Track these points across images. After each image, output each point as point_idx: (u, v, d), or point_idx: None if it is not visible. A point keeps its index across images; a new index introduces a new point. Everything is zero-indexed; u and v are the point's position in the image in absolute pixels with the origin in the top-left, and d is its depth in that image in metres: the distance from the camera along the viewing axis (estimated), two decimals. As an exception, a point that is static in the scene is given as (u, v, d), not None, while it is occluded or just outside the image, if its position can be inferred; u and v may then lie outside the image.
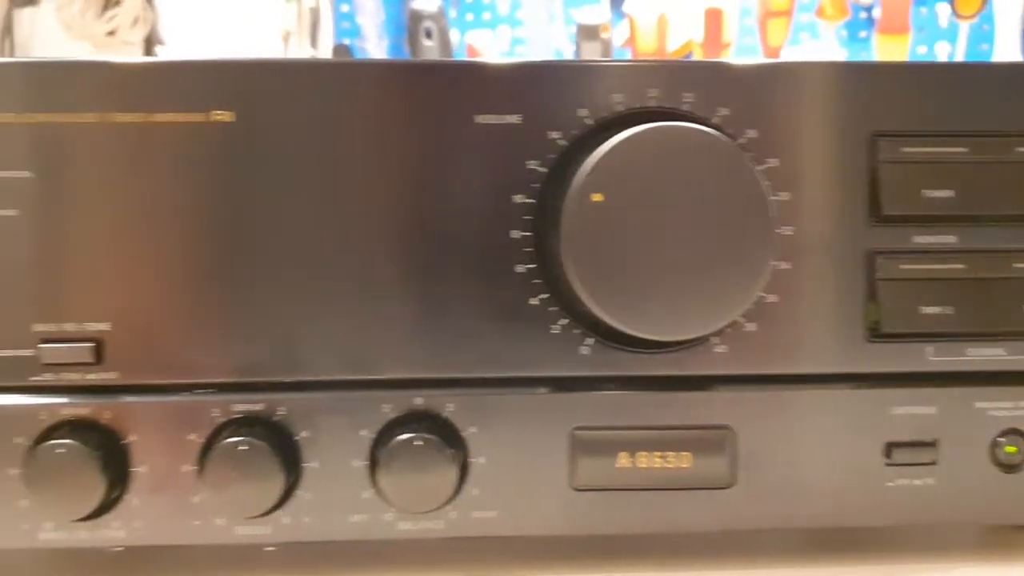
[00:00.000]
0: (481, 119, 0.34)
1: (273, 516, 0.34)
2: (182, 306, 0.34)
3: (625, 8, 0.86)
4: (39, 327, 0.33)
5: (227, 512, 0.34)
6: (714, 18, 0.79)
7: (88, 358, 0.33)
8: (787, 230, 0.35)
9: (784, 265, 0.35)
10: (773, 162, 0.34)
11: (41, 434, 0.33)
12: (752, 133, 0.34)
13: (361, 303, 0.34)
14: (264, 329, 0.34)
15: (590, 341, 0.35)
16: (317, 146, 0.33)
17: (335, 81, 0.33)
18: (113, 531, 0.34)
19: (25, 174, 0.33)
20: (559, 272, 0.33)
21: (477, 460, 0.35)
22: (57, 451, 0.32)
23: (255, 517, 0.34)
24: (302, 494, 0.34)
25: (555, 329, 0.34)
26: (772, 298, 0.35)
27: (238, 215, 0.33)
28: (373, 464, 0.34)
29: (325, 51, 1.04)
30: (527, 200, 0.34)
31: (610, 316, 0.32)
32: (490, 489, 0.35)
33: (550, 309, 0.34)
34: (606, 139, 0.33)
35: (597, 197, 0.32)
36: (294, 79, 0.33)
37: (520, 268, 0.34)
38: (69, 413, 0.34)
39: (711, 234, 0.32)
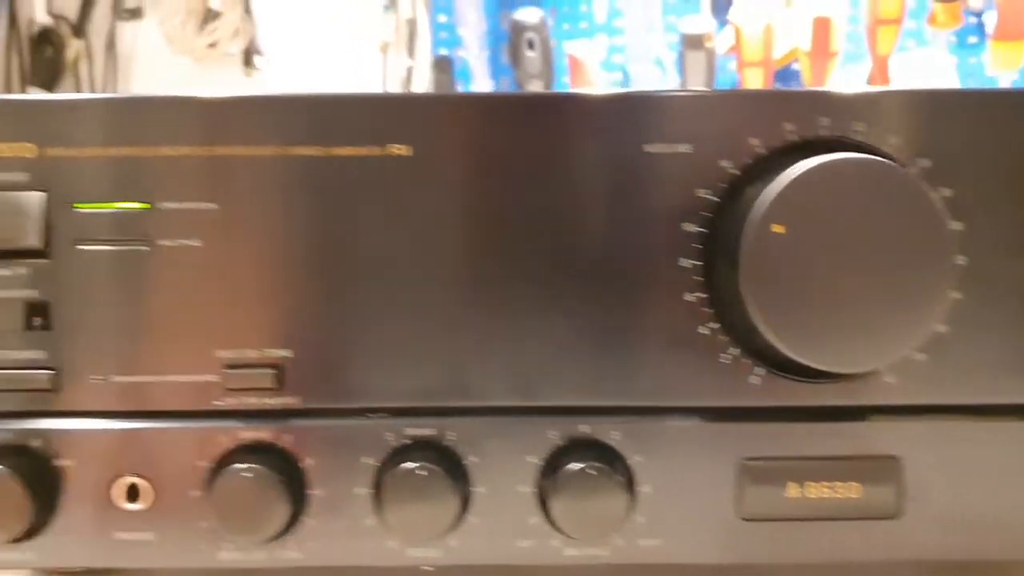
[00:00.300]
0: (651, 148, 0.34)
1: (442, 540, 0.35)
2: (358, 333, 0.35)
3: (730, 17, 0.85)
4: (223, 353, 0.34)
5: (402, 535, 0.34)
6: (822, 27, 0.78)
7: (269, 383, 0.34)
8: (960, 260, 0.34)
9: (956, 295, 0.34)
10: (946, 191, 0.34)
11: (222, 457, 0.35)
12: (924, 162, 0.34)
13: (529, 330, 0.35)
14: (436, 355, 0.35)
15: (760, 371, 0.35)
16: (491, 177, 0.34)
17: (509, 114, 0.34)
18: (289, 552, 0.35)
19: (210, 206, 0.34)
20: (732, 301, 0.33)
21: (643, 488, 0.35)
22: (243, 474, 0.33)
23: (428, 540, 0.35)
24: (471, 518, 0.35)
25: (724, 358, 0.34)
26: (943, 328, 0.34)
27: (414, 246, 0.34)
28: (540, 490, 0.35)
29: (422, 62, 1.05)
30: (697, 229, 0.34)
31: (789, 347, 0.32)
32: (656, 517, 0.35)
33: (719, 338, 0.34)
34: (779, 168, 0.33)
35: (778, 228, 0.31)
36: (470, 113, 0.34)
37: (689, 296, 0.34)
38: (250, 437, 0.35)
39: (889, 265, 0.32)
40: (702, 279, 0.34)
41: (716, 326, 0.34)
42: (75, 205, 0.34)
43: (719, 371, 0.35)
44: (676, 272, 0.34)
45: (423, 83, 1.03)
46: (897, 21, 0.78)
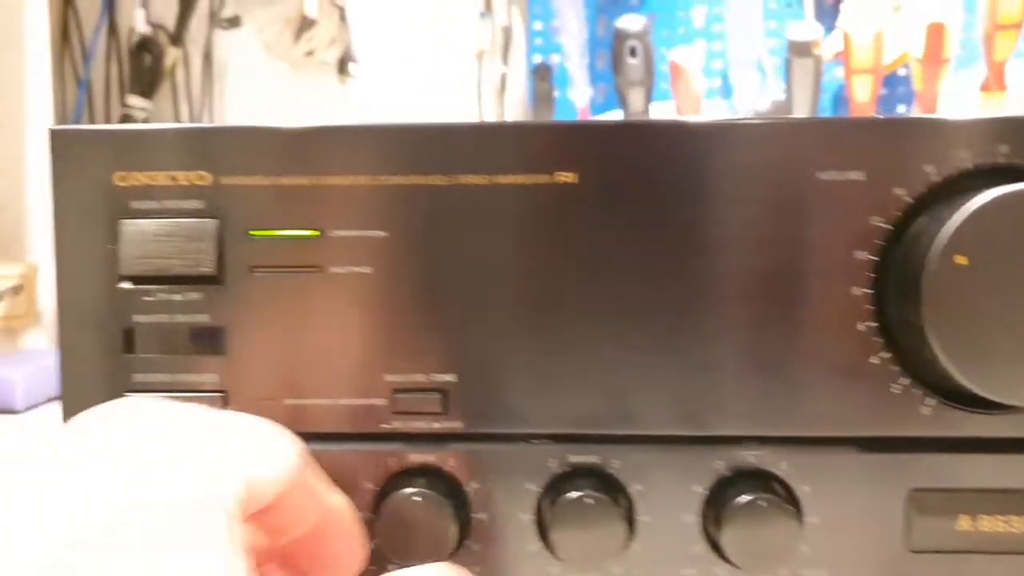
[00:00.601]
0: (824, 175, 0.33)
1: (604, 567, 0.35)
2: (522, 359, 0.35)
3: (839, 23, 0.84)
4: (391, 377, 0.35)
5: (567, 562, 0.34)
6: (936, 33, 0.77)
7: (436, 408, 0.35)
8: None
9: None
10: None
11: (389, 480, 0.35)
12: (1108, 188, 0.33)
13: (696, 358, 0.34)
14: (600, 383, 0.35)
15: (931, 401, 0.34)
16: (659, 205, 0.34)
17: (678, 141, 0.34)
18: None
19: (380, 234, 0.34)
20: (906, 331, 0.33)
21: (810, 519, 0.34)
22: (413, 497, 0.34)
23: (592, 567, 0.35)
24: (634, 546, 0.35)
25: (895, 388, 0.34)
26: (1124, 358, 0.33)
27: (579, 273, 0.34)
28: (705, 519, 0.35)
29: (518, 70, 1.05)
30: (870, 257, 0.33)
31: (970, 380, 0.31)
32: (821, 548, 0.35)
33: (890, 368, 0.34)
34: (954, 196, 0.32)
35: (961, 260, 0.31)
36: (637, 140, 0.34)
37: (861, 326, 0.34)
38: (417, 460, 0.35)
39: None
40: (873, 308, 0.34)
41: (887, 356, 0.34)
42: (250, 232, 0.34)
43: (889, 401, 0.34)
44: (848, 301, 0.34)
45: (518, 91, 1.03)
46: (1017, 26, 0.76)
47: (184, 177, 0.35)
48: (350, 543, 0.33)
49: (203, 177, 0.35)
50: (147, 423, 0.27)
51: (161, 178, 0.35)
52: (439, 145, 0.34)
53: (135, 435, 0.27)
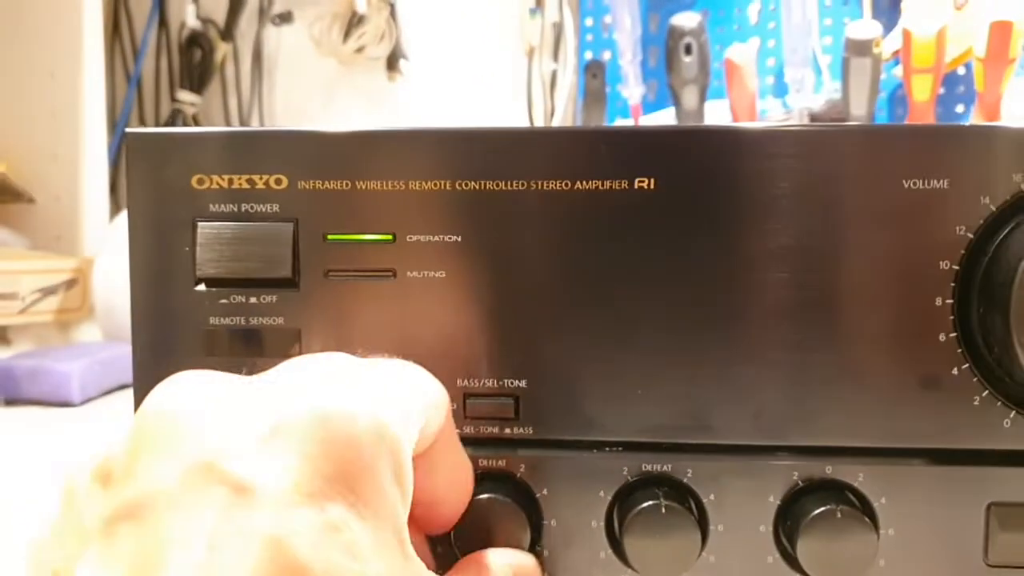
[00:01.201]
0: (909, 183, 0.33)
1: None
2: (595, 366, 0.35)
3: (902, 22, 0.82)
4: (463, 382, 0.35)
5: (639, 570, 0.34)
6: (1002, 31, 0.75)
7: (508, 413, 0.35)
8: None
9: None
10: None
11: (460, 484, 0.35)
12: None
13: (772, 367, 0.34)
14: (673, 390, 0.34)
15: (1012, 414, 0.33)
16: (739, 212, 0.33)
17: (760, 147, 0.33)
18: (523, 581, 0.35)
19: (455, 238, 0.34)
20: (991, 343, 0.32)
21: (886, 531, 0.34)
22: (486, 502, 0.34)
23: (665, 576, 0.35)
24: (707, 556, 0.35)
25: (975, 401, 0.33)
26: None
27: (655, 281, 0.34)
28: (779, 530, 0.34)
29: (568, 67, 1.05)
30: (953, 267, 0.33)
31: (1059, 395, 0.31)
32: (898, 561, 0.34)
33: (971, 380, 0.33)
34: (1043, 205, 0.32)
35: (1051, 271, 0.30)
36: (717, 145, 0.33)
37: (942, 337, 0.33)
38: (488, 465, 0.35)
39: None
40: (955, 318, 0.33)
41: (968, 367, 0.33)
42: (326, 236, 0.35)
43: (970, 413, 0.33)
44: (930, 311, 0.33)
45: (568, 88, 1.03)
46: (1085, 26, 0.75)
47: (261, 181, 0.35)
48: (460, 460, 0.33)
49: (280, 181, 0.35)
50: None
51: (239, 181, 0.35)
52: (517, 150, 0.34)
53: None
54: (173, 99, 1.25)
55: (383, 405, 0.26)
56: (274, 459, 0.23)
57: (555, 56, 1.06)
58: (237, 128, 0.35)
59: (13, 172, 1.03)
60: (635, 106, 0.95)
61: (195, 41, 1.26)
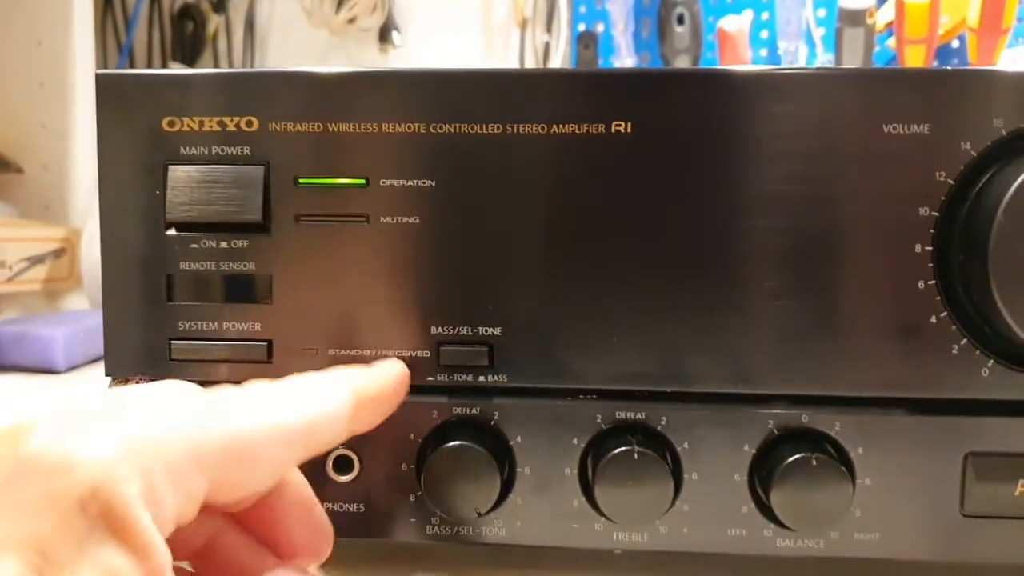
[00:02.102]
0: (889, 128, 0.32)
1: (649, 524, 0.34)
2: (570, 313, 0.34)
3: (894, -9, 0.82)
4: (437, 330, 0.34)
5: (612, 518, 0.34)
6: (994, 1, 0.74)
7: (482, 361, 0.34)
8: None
9: None
10: None
11: (433, 432, 0.35)
12: None
13: (748, 314, 0.34)
14: (649, 339, 0.34)
15: (991, 363, 0.33)
16: (715, 157, 0.33)
17: (737, 90, 0.33)
18: (496, 529, 0.35)
19: (429, 183, 0.34)
20: (970, 291, 0.32)
21: (863, 481, 0.34)
22: (456, 450, 0.33)
23: (638, 525, 0.34)
24: (681, 505, 0.34)
25: (954, 349, 0.33)
26: None
27: (632, 226, 0.33)
28: (755, 479, 0.34)
29: (561, 38, 1.04)
30: (933, 213, 0.32)
31: (1037, 341, 0.30)
32: (874, 511, 0.34)
33: (950, 328, 0.33)
34: (1022, 151, 0.31)
35: (1030, 215, 0.30)
36: (694, 89, 0.33)
37: (921, 284, 0.33)
38: (461, 413, 0.35)
39: None
40: (934, 266, 0.33)
41: (947, 315, 0.33)
42: (297, 180, 0.34)
43: (948, 362, 0.33)
44: (909, 258, 0.33)
45: (561, 59, 1.02)
46: (1078, -5, 0.74)
47: (232, 123, 0.34)
48: (306, 522, 0.30)
49: (251, 123, 0.34)
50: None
51: (210, 124, 0.34)
52: (493, 93, 0.34)
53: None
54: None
55: (123, 457, 0.22)
56: None
57: (548, 27, 1.05)
58: (207, 70, 0.34)
59: (1, 142, 1.02)
60: (627, 78, 0.94)
61: (187, 13, 1.24)
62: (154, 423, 0.23)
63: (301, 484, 0.30)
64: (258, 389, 0.28)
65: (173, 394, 0.26)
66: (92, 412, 0.24)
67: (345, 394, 0.29)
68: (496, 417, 0.35)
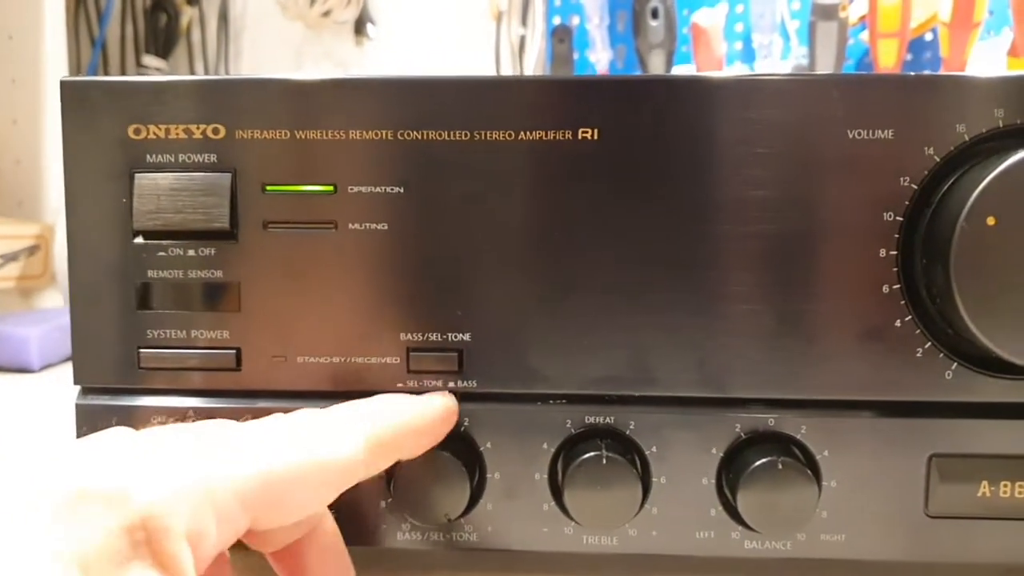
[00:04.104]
0: (854, 134, 0.33)
1: (619, 528, 0.35)
2: (539, 319, 0.34)
3: (866, -15, 0.82)
4: (406, 336, 0.34)
5: (581, 522, 0.34)
6: (966, -5, 0.75)
7: (451, 367, 0.34)
8: None
9: None
10: None
11: (403, 438, 0.35)
12: None
13: (715, 319, 0.34)
14: (617, 343, 0.34)
15: (954, 366, 0.33)
16: (682, 163, 0.33)
17: (701, 97, 0.33)
18: (466, 534, 0.35)
19: (397, 190, 0.34)
20: (933, 294, 0.32)
21: (829, 483, 0.34)
22: (428, 457, 0.33)
23: (607, 528, 0.34)
24: (650, 508, 0.35)
25: (918, 352, 0.33)
26: None
27: (599, 233, 0.34)
28: (722, 482, 0.34)
29: (536, 31, 1.04)
30: (897, 218, 0.33)
31: (997, 344, 0.31)
32: (840, 513, 0.34)
33: (914, 332, 0.33)
34: (986, 156, 0.32)
35: (991, 220, 0.30)
36: (660, 95, 0.33)
37: (886, 289, 0.33)
38: (431, 420, 0.35)
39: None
40: (899, 270, 0.33)
41: (911, 319, 0.33)
42: (266, 187, 0.34)
43: (912, 365, 0.33)
44: (874, 263, 0.33)
45: (537, 53, 1.02)
46: (1048, -10, 0.74)
47: (199, 130, 0.34)
48: (334, 569, 0.33)
49: (218, 130, 0.34)
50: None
51: (176, 131, 0.34)
52: (460, 99, 0.34)
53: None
54: (139, 65, 1.23)
55: (176, 495, 0.23)
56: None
57: (523, 21, 1.05)
58: (173, 77, 0.34)
59: (-28, 137, 1.01)
60: (602, 71, 0.94)
61: (160, 6, 1.23)
62: (205, 463, 0.25)
63: (333, 533, 0.33)
64: (286, 426, 0.29)
65: (215, 432, 0.28)
66: (150, 448, 0.25)
67: (359, 441, 0.30)
68: (466, 423, 0.35)
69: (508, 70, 1.04)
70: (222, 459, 0.26)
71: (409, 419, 0.32)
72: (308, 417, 0.30)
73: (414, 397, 0.34)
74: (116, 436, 0.26)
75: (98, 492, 0.23)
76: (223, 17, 1.22)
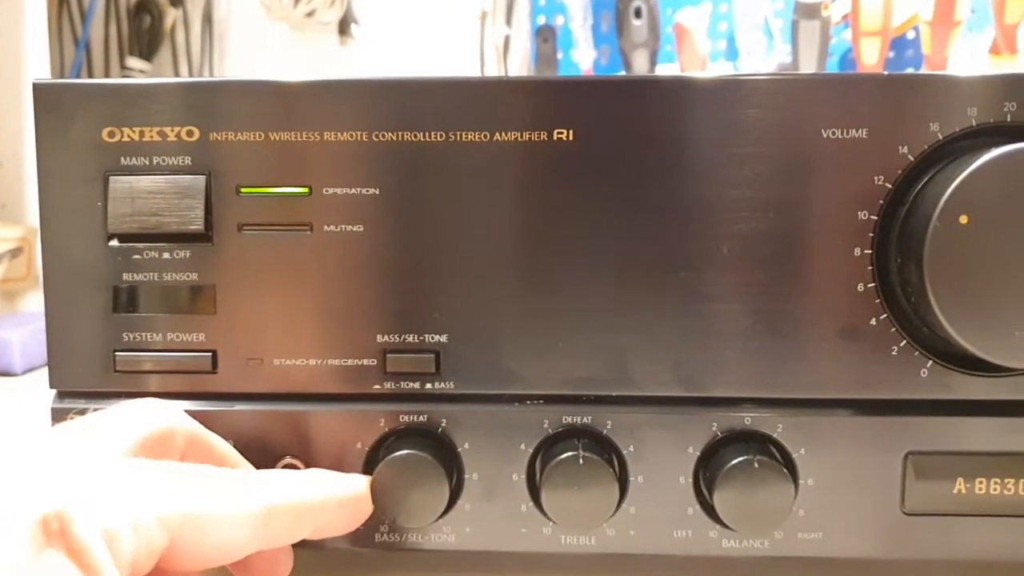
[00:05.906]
0: (828, 133, 0.33)
1: (597, 527, 0.35)
2: (516, 320, 0.34)
3: (849, -16, 0.82)
4: (383, 338, 0.34)
5: (559, 522, 0.34)
6: (947, -7, 0.75)
7: (428, 368, 0.34)
8: None
9: None
10: None
11: (380, 441, 0.35)
12: (1115, 147, 0.32)
13: (692, 319, 0.34)
14: (594, 343, 0.34)
15: (930, 364, 0.33)
16: (658, 163, 0.33)
17: (677, 98, 0.33)
18: (444, 535, 0.35)
19: (372, 191, 0.34)
20: (908, 293, 0.32)
21: (805, 481, 0.34)
22: (403, 458, 0.33)
23: (585, 528, 0.34)
24: (627, 507, 0.35)
25: (893, 351, 0.33)
26: None
27: (575, 233, 0.34)
28: (699, 481, 0.34)
29: (521, 31, 1.04)
30: (872, 217, 0.33)
31: (971, 342, 0.31)
32: (817, 511, 0.34)
33: (890, 330, 0.33)
34: (959, 155, 0.32)
35: (964, 219, 0.30)
36: (635, 96, 0.33)
37: (861, 287, 0.33)
38: (409, 421, 0.35)
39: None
40: (873, 269, 0.33)
41: (886, 318, 0.33)
42: (241, 189, 0.34)
43: (888, 363, 0.34)
44: (849, 262, 0.33)
45: (521, 52, 1.02)
46: (1028, -12, 0.75)
47: (173, 133, 0.34)
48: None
49: (192, 133, 0.34)
50: None
51: (150, 134, 0.34)
52: (435, 101, 0.34)
53: None
54: (123, 66, 1.22)
55: (95, 497, 0.25)
56: None
57: (508, 20, 1.05)
58: (147, 80, 0.34)
59: (-46, 139, 1.01)
60: (587, 70, 0.94)
61: (144, 7, 1.23)
62: (131, 477, 0.27)
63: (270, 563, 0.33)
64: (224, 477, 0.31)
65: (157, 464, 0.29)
66: (82, 467, 0.27)
67: (258, 505, 0.29)
68: (443, 424, 0.35)
69: (493, 70, 1.04)
70: (148, 479, 0.27)
71: (312, 500, 0.31)
72: (225, 473, 0.31)
73: (337, 479, 0.33)
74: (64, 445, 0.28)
75: (25, 487, 0.25)
76: (207, 18, 1.22)
